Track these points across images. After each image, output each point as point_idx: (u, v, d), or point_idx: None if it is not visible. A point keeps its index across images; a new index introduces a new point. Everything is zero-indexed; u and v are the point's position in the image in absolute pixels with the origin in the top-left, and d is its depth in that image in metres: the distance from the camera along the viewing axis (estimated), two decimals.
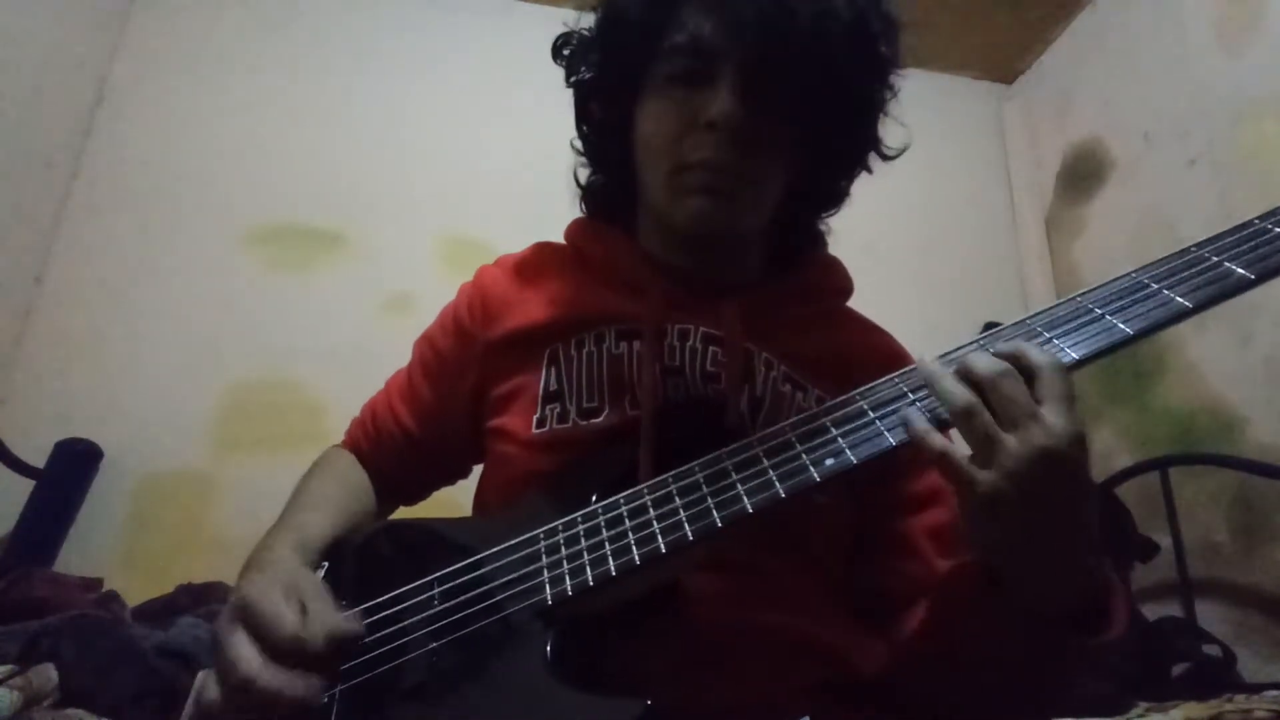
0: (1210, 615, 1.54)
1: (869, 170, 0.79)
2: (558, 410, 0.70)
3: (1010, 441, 0.46)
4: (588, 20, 0.78)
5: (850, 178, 0.79)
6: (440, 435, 0.82)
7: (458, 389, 0.79)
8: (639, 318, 0.71)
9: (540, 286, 0.78)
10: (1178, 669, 1.41)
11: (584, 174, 0.85)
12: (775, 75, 0.66)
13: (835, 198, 0.81)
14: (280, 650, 0.52)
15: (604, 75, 0.77)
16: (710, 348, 0.70)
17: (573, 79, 0.80)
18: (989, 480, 0.46)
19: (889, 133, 0.76)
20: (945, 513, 0.70)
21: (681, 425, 0.65)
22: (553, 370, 0.72)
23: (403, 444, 0.83)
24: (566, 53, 0.80)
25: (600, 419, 0.69)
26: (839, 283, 0.82)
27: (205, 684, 0.54)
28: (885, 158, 0.78)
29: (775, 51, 0.65)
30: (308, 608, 0.55)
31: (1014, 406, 0.46)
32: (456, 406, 0.79)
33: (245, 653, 0.52)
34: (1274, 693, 1.11)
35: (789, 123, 0.69)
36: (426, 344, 0.85)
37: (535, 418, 0.71)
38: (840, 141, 0.74)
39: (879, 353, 0.77)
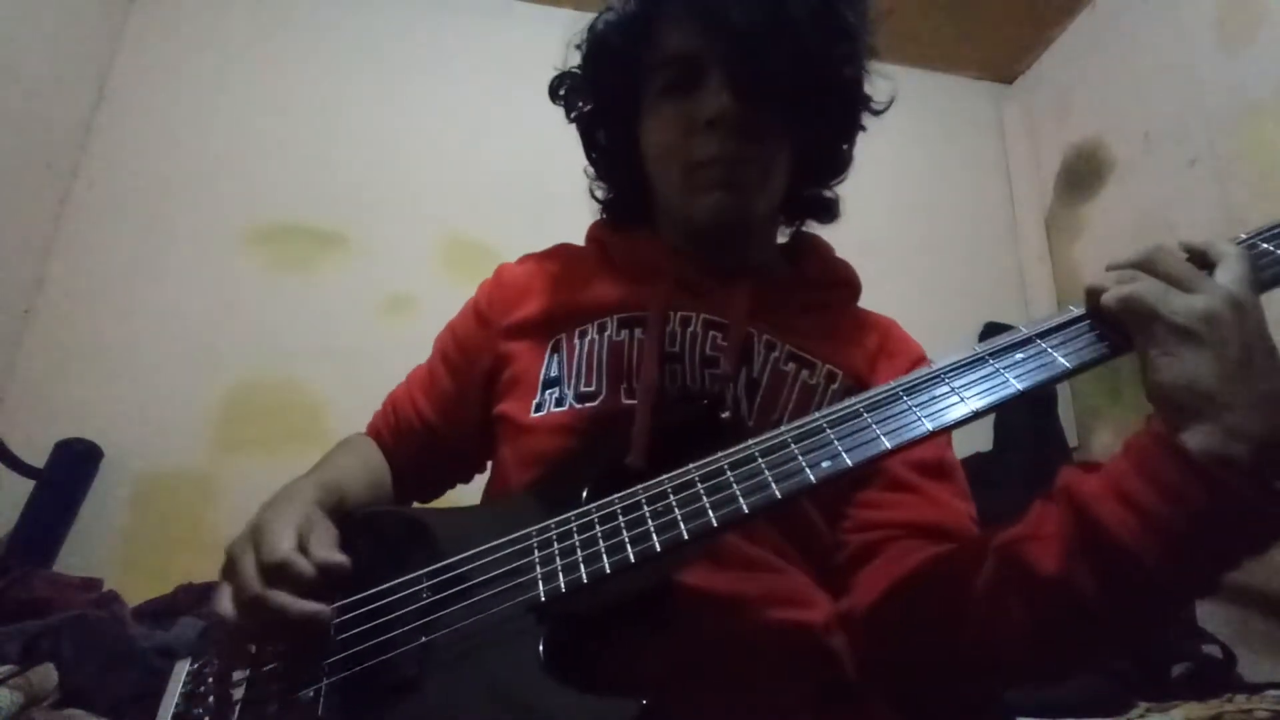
0: (1210, 615, 1.54)
1: (863, 128, 0.83)
2: (556, 395, 0.72)
3: (1209, 280, 0.47)
4: (575, 58, 0.83)
5: (849, 140, 0.84)
6: (458, 425, 0.84)
7: (474, 373, 0.81)
8: (644, 306, 0.74)
9: (554, 279, 0.82)
10: (1178, 669, 1.41)
11: (599, 191, 0.89)
12: (757, 63, 0.69)
13: (839, 165, 0.85)
14: (270, 573, 0.56)
15: (602, 102, 0.82)
16: (710, 332, 0.72)
17: (573, 115, 0.85)
18: (1189, 304, 0.47)
19: (877, 90, 0.81)
20: (928, 450, 0.71)
21: (675, 415, 0.65)
22: (554, 358, 0.75)
23: (421, 433, 0.85)
24: (563, 92, 0.85)
25: (596, 403, 0.70)
26: (847, 276, 0.85)
27: (218, 598, 0.58)
28: (876, 113, 0.82)
29: (752, 42, 0.68)
30: (309, 542, 0.59)
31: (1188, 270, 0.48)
32: (473, 393, 0.81)
33: (250, 570, 0.56)
34: (1274, 693, 1.11)
35: (780, 104, 0.72)
36: (448, 334, 0.88)
37: (534, 402, 0.73)
38: (830, 109, 0.78)
39: (890, 338, 0.81)
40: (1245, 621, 1.52)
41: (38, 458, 1.55)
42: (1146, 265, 0.50)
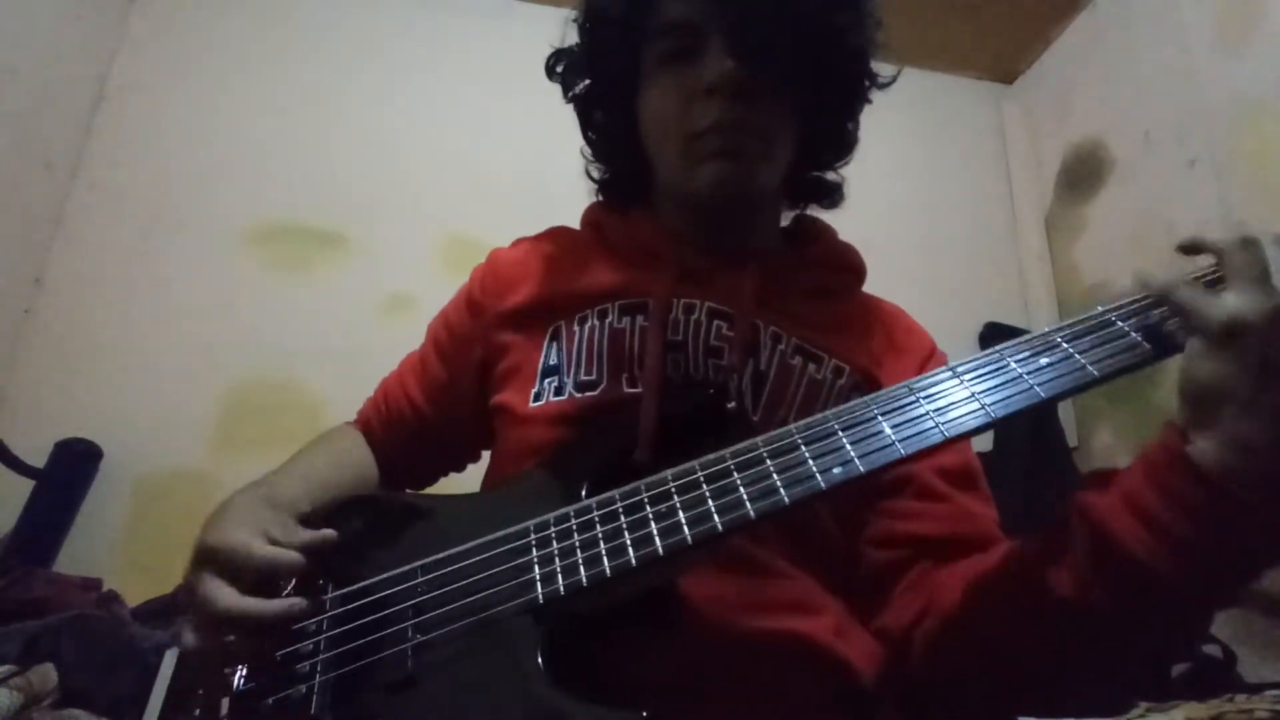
0: None
1: (869, 100, 0.80)
2: (555, 384, 0.71)
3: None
4: (573, 35, 0.81)
5: (853, 116, 0.81)
6: (450, 412, 0.82)
7: (467, 362, 0.80)
8: (646, 292, 0.72)
9: (551, 264, 0.79)
10: (1178, 669, 1.41)
11: (596, 172, 0.87)
12: (758, 29, 0.68)
13: (844, 144, 0.83)
14: (258, 577, 0.53)
15: (600, 77, 0.79)
16: (715, 321, 0.70)
17: (571, 93, 0.82)
18: (1253, 303, 0.44)
19: (881, 66, 0.79)
20: (953, 455, 0.68)
21: (678, 403, 0.63)
22: (554, 346, 0.73)
23: (413, 422, 0.83)
24: (560, 69, 0.83)
25: (596, 392, 0.69)
26: (852, 260, 0.83)
27: (184, 636, 0.56)
28: (882, 86, 0.80)
29: (754, 9, 0.67)
30: (274, 535, 0.57)
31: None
32: (465, 381, 0.80)
33: (219, 591, 0.53)
34: (1274, 693, 1.10)
35: (782, 72, 0.71)
36: (440, 321, 0.86)
37: (533, 392, 0.71)
38: (833, 79, 0.76)
39: (898, 329, 0.79)
40: (1245, 621, 1.51)
41: (38, 458, 1.54)
42: (1227, 256, 0.47)
